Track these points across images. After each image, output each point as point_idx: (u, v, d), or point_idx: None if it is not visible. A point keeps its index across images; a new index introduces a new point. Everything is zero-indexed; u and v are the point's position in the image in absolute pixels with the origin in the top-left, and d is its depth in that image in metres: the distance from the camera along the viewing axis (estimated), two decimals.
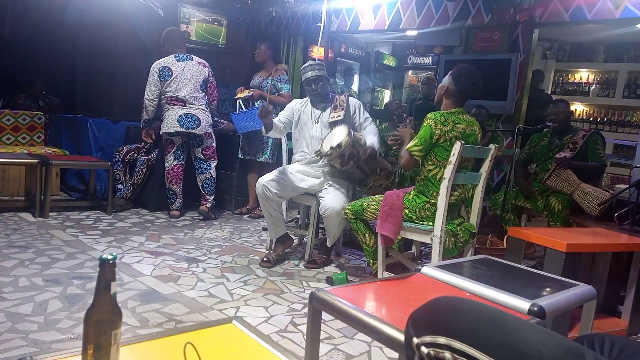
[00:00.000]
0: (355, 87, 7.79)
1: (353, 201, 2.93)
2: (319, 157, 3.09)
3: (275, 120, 3.32)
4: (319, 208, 3.11)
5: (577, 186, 3.28)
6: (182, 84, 4.02)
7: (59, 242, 3.25)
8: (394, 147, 3.07)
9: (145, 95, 4.04)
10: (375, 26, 5.55)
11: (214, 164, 4.25)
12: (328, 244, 3.25)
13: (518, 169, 3.92)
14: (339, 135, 3.00)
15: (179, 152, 4.16)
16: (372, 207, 2.72)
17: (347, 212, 2.83)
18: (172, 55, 4.07)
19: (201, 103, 4.11)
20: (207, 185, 4.23)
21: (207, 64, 4.19)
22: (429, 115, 2.56)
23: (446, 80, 2.63)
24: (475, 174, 2.67)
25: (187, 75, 4.05)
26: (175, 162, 4.15)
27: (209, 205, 4.22)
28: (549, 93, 6.86)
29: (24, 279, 2.55)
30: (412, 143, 2.55)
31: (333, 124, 3.22)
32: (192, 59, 4.11)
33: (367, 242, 2.80)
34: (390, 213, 2.62)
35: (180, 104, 4.02)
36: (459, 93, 2.59)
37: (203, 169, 4.23)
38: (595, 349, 0.96)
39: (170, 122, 4.00)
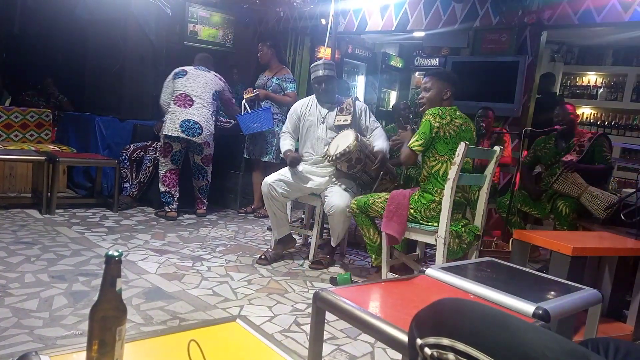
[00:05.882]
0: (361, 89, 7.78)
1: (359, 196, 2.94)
2: (325, 161, 3.09)
3: (292, 143, 3.40)
4: (324, 206, 3.11)
5: (584, 189, 3.26)
6: (194, 84, 4.07)
7: (65, 239, 3.27)
8: (394, 148, 3.11)
9: (160, 99, 4.17)
10: (382, 27, 5.54)
11: (209, 169, 4.32)
12: (333, 243, 3.25)
13: (523, 173, 3.90)
14: (346, 139, 2.99)
15: (176, 158, 4.13)
16: (377, 204, 2.73)
17: (353, 207, 2.84)
18: (191, 66, 4.22)
19: (209, 110, 4.08)
20: (203, 191, 4.36)
21: (223, 79, 4.27)
22: (427, 111, 2.65)
23: (444, 86, 2.70)
24: (480, 175, 2.67)
25: (202, 80, 4.11)
26: (173, 167, 4.13)
27: (205, 208, 4.41)
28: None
29: (29, 275, 2.57)
30: (413, 139, 2.62)
31: (339, 128, 3.22)
32: (209, 71, 4.21)
33: (371, 237, 2.81)
34: (396, 212, 2.62)
35: (187, 103, 3.98)
36: (458, 91, 2.76)
37: (201, 176, 4.30)
38: (599, 353, 0.96)
39: (172, 126, 3.94)
